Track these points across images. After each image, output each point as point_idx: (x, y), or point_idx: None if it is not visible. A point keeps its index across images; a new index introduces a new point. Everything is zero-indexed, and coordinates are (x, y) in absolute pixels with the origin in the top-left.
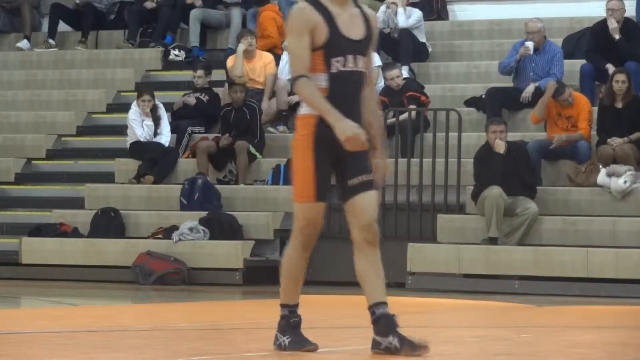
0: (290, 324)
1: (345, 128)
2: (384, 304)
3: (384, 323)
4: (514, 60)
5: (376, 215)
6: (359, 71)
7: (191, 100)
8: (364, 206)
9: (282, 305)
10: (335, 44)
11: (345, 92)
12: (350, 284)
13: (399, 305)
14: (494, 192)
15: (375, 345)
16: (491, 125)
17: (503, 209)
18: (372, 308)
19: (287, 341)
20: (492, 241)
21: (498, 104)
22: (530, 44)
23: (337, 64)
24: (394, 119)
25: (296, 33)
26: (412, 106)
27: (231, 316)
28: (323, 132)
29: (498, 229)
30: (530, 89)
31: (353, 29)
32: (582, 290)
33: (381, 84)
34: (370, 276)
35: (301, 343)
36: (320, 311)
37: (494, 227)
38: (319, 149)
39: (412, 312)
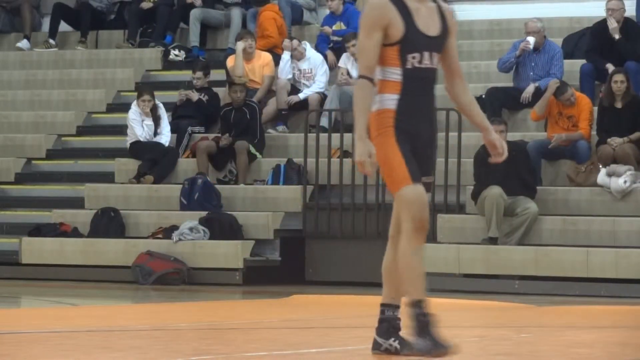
0: (422, 323)
1: (361, 151)
2: (398, 307)
3: (387, 325)
4: (514, 56)
5: None
6: (433, 68)
7: (194, 95)
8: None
9: (413, 304)
10: (412, 40)
11: (418, 89)
12: (350, 284)
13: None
14: (494, 192)
15: (376, 346)
16: (492, 124)
17: (503, 208)
18: (383, 307)
19: (423, 344)
20: (492, 241)
21: (498, 104)
22: (531, 39)
23: (412, 60)
24: None
25: (366, 29)
26: None
27: (231, 316)
28: (402, 124)
29: (498, 228)
30: (530, 89)
31: (430, 25)
32: (582, 290)
33: None
34: (395, 277)
35: (436, 345)
36: (318, 311)
37: (494, 227)
38: (401, 138)
39: None
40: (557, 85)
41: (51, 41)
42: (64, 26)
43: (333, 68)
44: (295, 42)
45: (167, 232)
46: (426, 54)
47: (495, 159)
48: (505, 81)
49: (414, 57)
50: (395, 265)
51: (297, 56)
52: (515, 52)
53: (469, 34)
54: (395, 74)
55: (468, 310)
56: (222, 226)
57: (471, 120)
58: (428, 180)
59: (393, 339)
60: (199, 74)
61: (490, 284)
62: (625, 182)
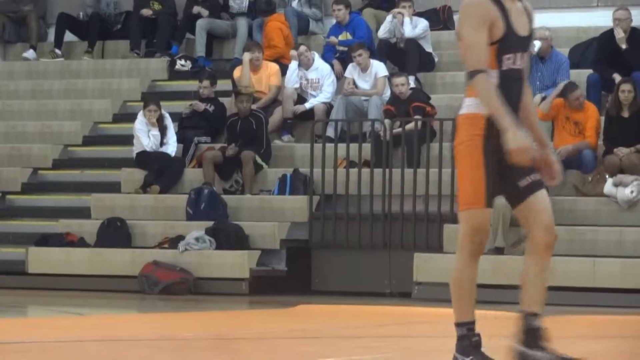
0: (472, 343)
1: (517, 138)
2: (539, 316)
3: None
4: None
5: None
6: (523, 69)
7: (200, 105)
8: (542, 206)
9: (458, 325)
10: (508, 41)
11: (511, 90)
12: (356, 294)
13: (405, 315)
14: (501, 201)
15: (521, 357)
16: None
17: (509, 218)
18: (525, 316)
19: None
20: (499, 251)
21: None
22: (537, 42)
23: (507, 62)
24: (400, 129)
25: (475, 25)
26: (418, 116)
27: (237, 326)
28: (493, 132)
29: (504, 238)
30: (536, 99)
31: (521, 25)
32: (588, 300)
33: (387, 93)
34: (537, 284)
35: None
36: (324, 321)
37: (500, 237)
38: (488, 150)
39: (418, 322)
40: (564, 85)
41: (57, 51)
42: (70, 36)
43: (339, 78)
44: (302, 47)
45: (173, 242)
46: (519, 55)
47: (547, 182)
48: None
49: (509, 58)
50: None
51: (304, 62)
52: None
53: None
54: (491, 75)
55: (475, 320)
56: (228, 236)
57: (526, 125)
58: (535, 178)
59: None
60: (206, 82)
61: (496, 293)
62: (632, 192)
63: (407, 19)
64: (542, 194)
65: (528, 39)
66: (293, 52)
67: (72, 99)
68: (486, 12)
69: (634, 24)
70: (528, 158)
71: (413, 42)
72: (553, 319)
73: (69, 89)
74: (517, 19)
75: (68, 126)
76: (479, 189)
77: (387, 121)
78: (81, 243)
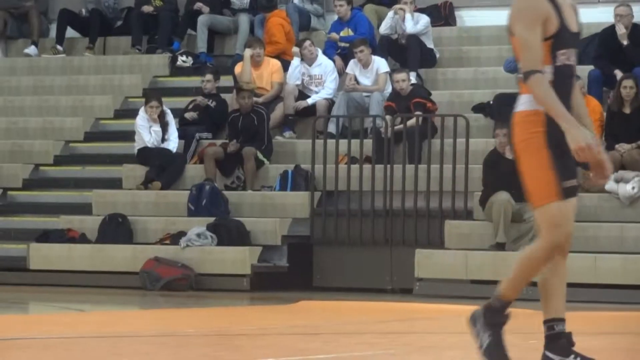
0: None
1: (580, 137)
2: (565, 321)
3: (565, 341)
4: None
5: None
6: (575, 66)
7: (204, 100)
8: (573, 214)
9: (549, 321)
10: (563, 36)
11: (565, 87)
12: (357, 290)
13: (407, 311)
14: (502, 197)
15: None
16: (499, 129)
17: (511, 214)
18: (552, 322)
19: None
20: (500, 247)
21: (506, 110)
22: None
23: (562, 57)
24: (401, 125)
25: (529, 22)
26: (418, 112)
27: (239, 322)
28: (554, 127)
29: (506, 234)
30: None
31: (571, 21)
32: (589, 296)
33: (389, 89)
34: (558, 290)
35: None
36: (326, 317)
37: (501, 233)
38: (552, 145)
39: (420, 318)
40: None
41: (59, 47)
42: (71, 32)
43: (341, 74)
44: (307, 42)
45: (174, 238)
46: (572, 51)
47: (597, 181)
48: (513, 87)
49: (563, 54)
50: (557, 278)
51: (308, 57)
52: None
53: (477, 39)
54: (546, 72)
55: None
56: (229, 232)
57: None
58: (576, 183)
59: (573, 355)
60: (209, 76)
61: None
62: (633, 188)
63: (408, 15)
64: (574, 201)
65: (578, 35)
66: (296, 49)
67: (73, 95)
68: (540, 9)
69: (635, 20)
70: (593, 155)
71: (414, 38)
72: None
73: (71, 85)
74: (568, 14)
75: (69, 122)
76: (550, 182)
77: (388, 117)
78: (82, 239)
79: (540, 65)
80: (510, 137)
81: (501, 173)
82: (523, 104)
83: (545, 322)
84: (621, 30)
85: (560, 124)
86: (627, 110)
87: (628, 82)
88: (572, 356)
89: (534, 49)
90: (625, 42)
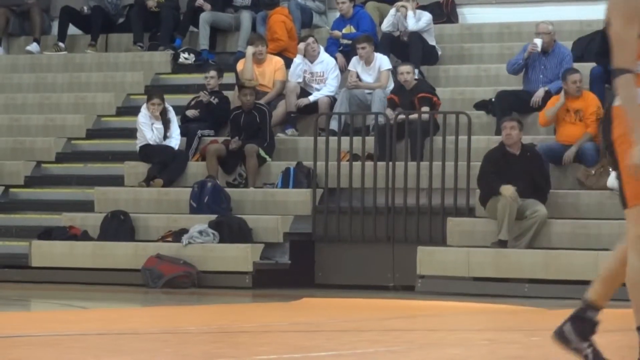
0: None
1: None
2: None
3: (591, 328)
4: (522, 58)
5: None
6: None
7: (206, 97)
8: None
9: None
10: None
11: None
12: (359, 287)
13: (408, 308)
14: (508, 193)
15: (565, 341)
16: (505, 122)
17: (515, 212)
18: (592, 307)
19: None
20: (502, 244)
21: (508, 107)
22: (538, 41)
23: None
24: (403, 117)
25: (624, 18)
26: (424, 108)
27: (241, 319)
28: None
29: (509, 231)
30: (540, 92)
31: None
32: None
33: (391, 87)
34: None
35: None
36: (328, 314)
37: (504, 230)
38: None
39: (422, 315)
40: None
41: (61, 44)
42: (73, 29)
43: (343, 71)
44: (310, 38)
45: (176, 235)
46: None
47: None
48: (515, 84)
49: None
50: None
51: (310, 53)
52: (524, 54)
53: (479, 37)
54: (638, 70)
55: (478, 313)
56: (231, 229)
57: None
58: None
59: None
60: (213, 73)
61: (499, 287)
62: None
63: (410, 12)
64: None
65: None
66: (301, 46)
67: (75, 92)
68: (637, 5)
69: None
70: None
71: (416, 35)
72: (557, 312)
73: (73, 82)
74: None
75: (71, 119)
76: None
77: (389, 110)
78: (84, 236)
79: (632, 64)
80: (605, 132)
81: (505, 169)
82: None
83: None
84: None
85: (632, 134)
86: None
87: None
88: None
89: (627, 46)
90: None
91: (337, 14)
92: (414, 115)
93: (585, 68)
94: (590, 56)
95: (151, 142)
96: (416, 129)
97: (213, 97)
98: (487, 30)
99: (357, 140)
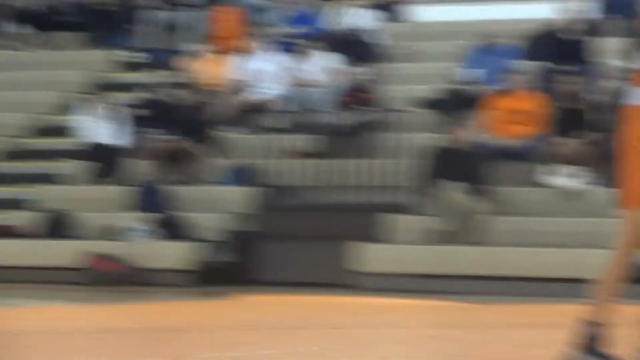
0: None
1: None
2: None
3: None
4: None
5: None
6: None
7: (152, 95)
8: None
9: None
10: None
11: None
12: (303, 285)
13: (353, 305)
14: (457, 190)
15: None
16: (451, 119)
17: (461, 207)
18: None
19: None
20: (449, 240)
21: (455, 105)
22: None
23: None
24: (349, 119)
25: None
26: (366, 107)
27: (183, 317)
28: None
29: (451, 228)
30: (485, 90)
31: None
32: (533, 290)
33: (339, 84)
34: None
35: None
36: (272, 311)
37: (447, 226)
38: None
39: (363, 312)
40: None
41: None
42: (16, 27)
43: (291, 69)
44: (256, 37)
45: (118, 233)
46: None
47: None
48: (462, 83)
49: None
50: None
51: (256, 52)
52: (474, 64)
53: (429, 35)
54: None
55: (420, 310)
56: (174, 227)
57: None
58: None
59: None
60: (157, 71)
61: (441, 283)
62: (575, 182)
63: (359, 10)
64: None
65: None
66: (248, 43)
67: (16, 90)
68: None
69: (587, 16)
70: None
71: (366, 33)
72: (500, 307)
73: (14, 81)
74: None
75: (13, 118)
76: None
77: (337, 112)
78: (24, 235)
79: None
80: (619, 130)
81: (449, 165)
82: (638, 97)
83: None
84: (570, 25)
85: None
86: (575, 106)
87: (571, 79)
88: None
89: None
90: (573, 38)
91: (285, 12)
92: (360, 116)
93: (531, 67)
94: (537, 55)
95: (96, 141)
96: (362, 126)
97: (158, 96)
98: (436, 28)
99: (303, 138)
